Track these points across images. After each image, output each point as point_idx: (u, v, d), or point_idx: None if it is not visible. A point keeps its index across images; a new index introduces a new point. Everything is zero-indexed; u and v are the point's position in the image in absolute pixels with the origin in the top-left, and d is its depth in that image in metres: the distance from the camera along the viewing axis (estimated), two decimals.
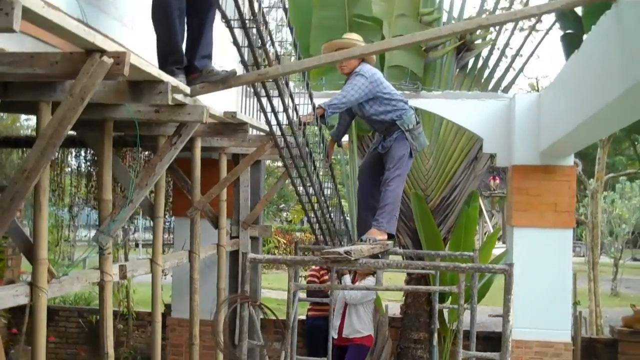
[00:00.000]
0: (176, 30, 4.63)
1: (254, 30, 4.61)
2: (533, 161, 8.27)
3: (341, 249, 4.90)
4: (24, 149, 10.60)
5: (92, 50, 3.37)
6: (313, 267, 9.22)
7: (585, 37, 8.20)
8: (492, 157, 9.85)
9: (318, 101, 6.64)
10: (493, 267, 5.46)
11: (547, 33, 11.74)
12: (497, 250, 14.19)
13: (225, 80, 4.78)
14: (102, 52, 3.36)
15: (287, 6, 5.37)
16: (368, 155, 7.16)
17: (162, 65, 4.58)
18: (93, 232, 14.20)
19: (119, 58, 3.39)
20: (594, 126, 5.92)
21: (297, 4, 9.90)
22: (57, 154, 10.28)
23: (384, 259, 6.83)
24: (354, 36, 6.62)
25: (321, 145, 7.02)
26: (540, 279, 8.27)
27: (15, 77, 3.67)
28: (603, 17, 4.93)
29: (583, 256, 27.33)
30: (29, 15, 2.78)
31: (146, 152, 10.35)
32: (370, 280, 8.64)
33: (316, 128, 6.71)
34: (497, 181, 28.00)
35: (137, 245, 22.24)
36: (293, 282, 4.94)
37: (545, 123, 7.80)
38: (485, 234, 33.43)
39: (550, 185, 8.31)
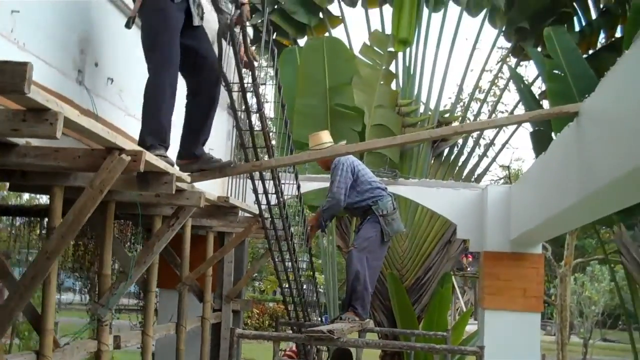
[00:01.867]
0: (165, 109, 4.90)
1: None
2: (504, 248, 8.73)
3: (324, 327, 5.29)
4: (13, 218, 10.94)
5: (112, 148, 3.79)
6: (293, 347, 9.47)
7: (553, 134, 8.81)
8: (465, 241, 10.32)
9: (302, 184, 7.15)
10: (465, 349, 5.87)
11: (518, 126, 12.39)
12: (470, 326, 14.58)
13: (222, 170, 5.24)
14: (121, 150, 3.79)
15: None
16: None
17: (143, 137, 4.84)
18: (76, 297, 14.41)
19: (136, 156, 3.82)
20: (557, 223, 6.44)
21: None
22: (45, 222, 10.60)
23: (362, 337, 7.21)
24: (326, 137, 7.12)
25: (303, 223, 7.48)
26: None
27: (38, 167, 4.07)
28: (566, 128, 5.48)
29: (554, 335, 27.71)
30: (66, 122, 3.21)
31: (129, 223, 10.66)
32: None
33: (298, 207, 7.17)
34: (470, 259, 28.38)
35: None
36: (277, 358, 5.31)
37: (515, 214, 8.30)
38: (457, 310, 33.72)
39: (520, 272, 8.75)
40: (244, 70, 4.94)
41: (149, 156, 4.01)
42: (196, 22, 5.09)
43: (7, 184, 5.24)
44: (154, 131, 4.81)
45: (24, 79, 2.60)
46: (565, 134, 5.60)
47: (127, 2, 5.27)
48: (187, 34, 4.98)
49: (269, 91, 6.45)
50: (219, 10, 5.02)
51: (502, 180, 22.02)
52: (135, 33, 5.33)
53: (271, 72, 5.58)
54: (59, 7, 4.58)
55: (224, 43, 4.89)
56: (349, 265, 6.83)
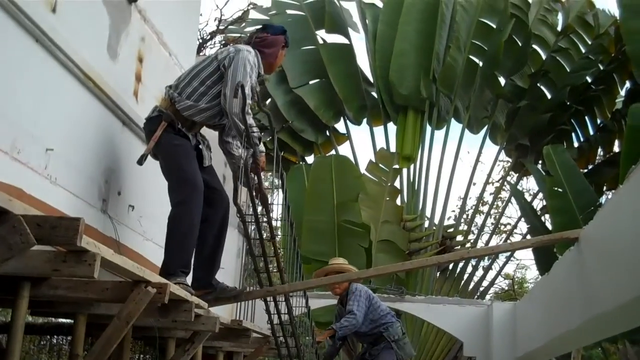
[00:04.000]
0: (192, 238, 5.11)
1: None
2: None
3: None
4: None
5: (138, 281, 4.00)
6: None
7: (554, 249, 9.00)
8: (471, 358, 10.35)
9: (311, 302, 7.33)
10: None
11: (523, 237, 12.63)
12: None
13: (237, 297, 5.42)
14: (147, 282, 3.99)
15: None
16: None
17: (167, 265, 4.99)
18: None
19: (162, 288, 4.03)
20: (562, 343, 6.57)
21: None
22: (55, 339, 10.66)
23: None
24: (340, 260, 7.45)
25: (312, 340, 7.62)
26: None
27: (67, 298, 4.27)
28: (568, 251, 5.70)
29: None
30: (102, 261, 3.43)
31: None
32: None
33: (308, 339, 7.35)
34: None
35: None
36: None
37: (521, 332, 8.42)
38: None
39: None
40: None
41: (173, 287, 4.21)
42: (207, 162, 5.37)
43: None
44: (180, 261, 5.00)
45: (77, 232, 2.85)
46: (567, 257, 5.82)
47: None
48: (200, 169, 5.24)
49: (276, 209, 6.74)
50: (228, 154, 5.37)
51: (506, 292, 22.04)
52: (154, 162, 5.63)
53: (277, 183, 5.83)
54: (88, 143, 4.87)
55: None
56: None
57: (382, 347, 7.10)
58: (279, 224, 7.84)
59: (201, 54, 13.26)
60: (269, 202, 5.27)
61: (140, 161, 5.10)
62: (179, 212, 5.07)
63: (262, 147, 5.25)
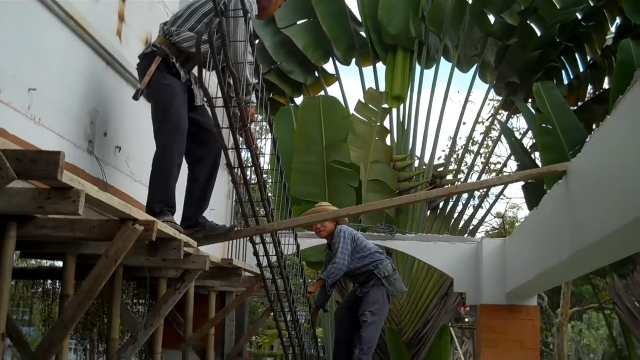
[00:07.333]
0: (173, 177, 5.10)
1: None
2: (500, 301, 8.88)
3: None
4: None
5: (125, 219, 4.00)
6: None
7: (545, 187, 9.04)
8: (461, 293, 10.47)
9: (301, 241, 7.35)
10: None
11: None
12: None
13: (227, 234, 5.43)
14: (134, 220, 3.99)
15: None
16: (347, 298, 7.80)
17: (152, 204, 5.03)
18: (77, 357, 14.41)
19: (149, 225, 4.02)
20: (551, 276, 6.63)
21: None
22: (48, 284, 10.72)
23: None
24: (325, 204, 7.44)
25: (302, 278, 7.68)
26: None
27: (54, 238, 4.26)
28: (556, 185, 5.71)
29: None
30: (87, 198, 3.41)
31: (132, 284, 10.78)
32: None
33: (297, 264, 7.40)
34: (467, 308, 28.34)
35: None
36: None
37: (510, 267, 8.49)
38: None
39: (516, 324, 8.88)
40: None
41: (160, 225, 4.20)
42: (198, 102, 5.32)
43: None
44: (162, 198, 5.01)
45: (57, 166, 2.82)
46: (556, 191, 5.83)
47: (135, 75, 5.52)
48: (191, 109, 5.23)
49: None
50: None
51: (497, 230, 22.20)
52: (140, 102, 5.57)
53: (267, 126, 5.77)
54: (72, 83, 4.82)
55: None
56: (364, 330, 7.01)
57: (372, 284, 7.17)
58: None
59: None
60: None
61: (136, 96, 5.10)
62: (161, 154, 5.09)
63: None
